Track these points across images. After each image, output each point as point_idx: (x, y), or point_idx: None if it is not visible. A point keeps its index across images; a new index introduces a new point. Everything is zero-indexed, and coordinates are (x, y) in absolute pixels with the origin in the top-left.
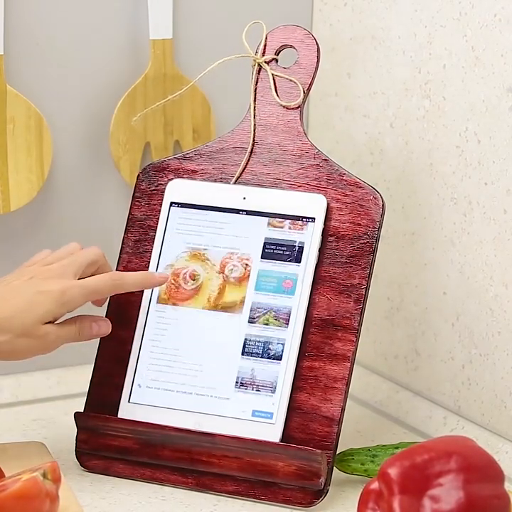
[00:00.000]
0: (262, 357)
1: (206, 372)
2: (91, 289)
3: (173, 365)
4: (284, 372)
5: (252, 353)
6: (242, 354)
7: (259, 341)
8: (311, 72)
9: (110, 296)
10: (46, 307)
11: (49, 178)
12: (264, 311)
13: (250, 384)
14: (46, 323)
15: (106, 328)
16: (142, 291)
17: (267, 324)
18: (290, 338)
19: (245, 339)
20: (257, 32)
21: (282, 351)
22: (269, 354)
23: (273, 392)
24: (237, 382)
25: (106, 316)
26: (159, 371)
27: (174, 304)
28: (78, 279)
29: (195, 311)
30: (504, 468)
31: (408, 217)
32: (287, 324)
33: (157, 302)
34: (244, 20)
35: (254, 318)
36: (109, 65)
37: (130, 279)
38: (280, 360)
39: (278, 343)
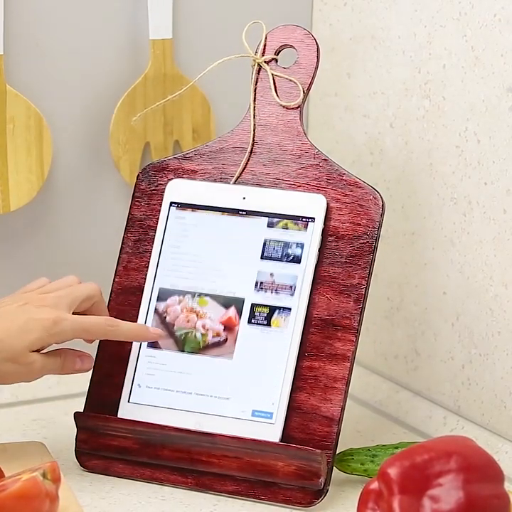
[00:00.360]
0: (280, 260)
1: (226, 276)
2: (83, 327)
3: (193, 271)
4: (302, 275)
5: (271, 257)
6: (262, 257)
7: (278, 245)
8: (310, 72)
9: (109, 301)
10: (37, 334)
11: (49, 178)
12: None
13: (269, 287)
14: (33, 351)
15: (89, 364)
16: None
17: (285, 228)
18: (309, 242)
19: (264, 243)
20: (257, 32)
21: (301, 254)
22: (288, 257)
23: (292, 294)
24: (256, 284)
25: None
26: (179, 277)
27: (194, 210)
28: (73, 313)
29: (214, 217)
30: (504, 468)
31: (408, 217)
32: (306, 228)
33: (177, 208)
34: (244, 20)
35: (273, 223)
36: (109, 65)
37: (124, 329)
38: (299, 262)
39: (297, 247)
